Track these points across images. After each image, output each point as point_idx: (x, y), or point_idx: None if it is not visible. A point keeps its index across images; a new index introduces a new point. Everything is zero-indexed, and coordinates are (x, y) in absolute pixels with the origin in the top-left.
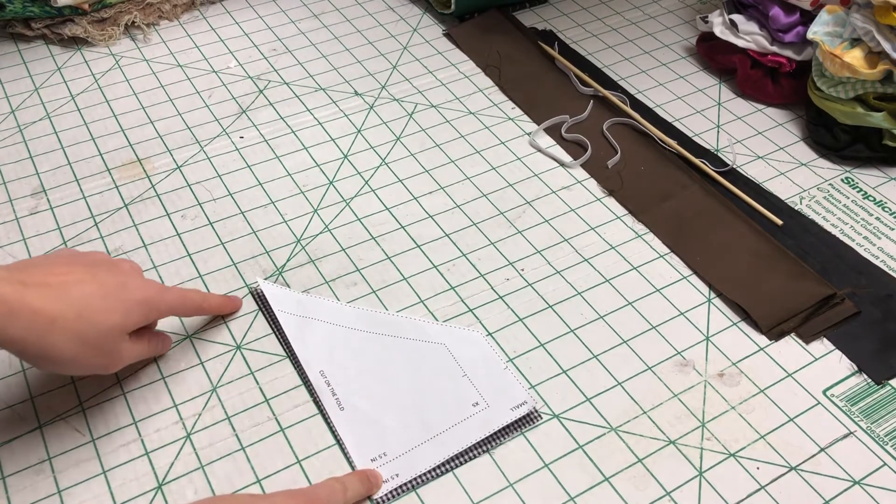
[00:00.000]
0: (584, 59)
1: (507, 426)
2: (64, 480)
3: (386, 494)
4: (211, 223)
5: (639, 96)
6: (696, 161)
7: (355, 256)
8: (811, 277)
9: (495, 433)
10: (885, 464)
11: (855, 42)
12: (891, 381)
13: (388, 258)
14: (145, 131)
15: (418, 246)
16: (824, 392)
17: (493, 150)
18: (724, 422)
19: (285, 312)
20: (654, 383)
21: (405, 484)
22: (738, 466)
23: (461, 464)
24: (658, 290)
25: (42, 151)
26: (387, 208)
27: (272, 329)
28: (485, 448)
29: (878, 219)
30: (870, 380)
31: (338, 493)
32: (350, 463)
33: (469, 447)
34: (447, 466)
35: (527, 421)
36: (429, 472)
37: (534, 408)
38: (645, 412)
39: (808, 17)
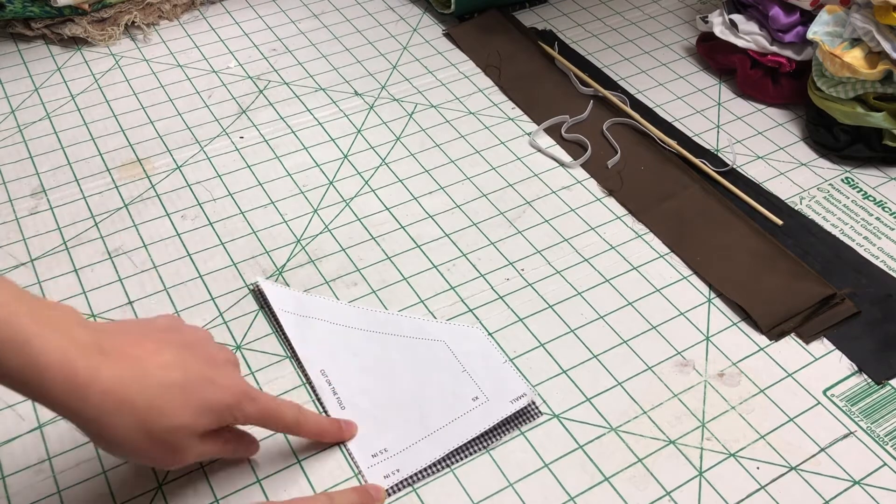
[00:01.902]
0: (584, 59)
1: (508, 421)
2: (64, 480)
3: (387, 490)
4: (211, 223)
5: (639, 96)
6: (696, 161)
7: (355, 256)
8: (811, 277)
9: (495, 428)
10: (885, 464)
11: (855, 42)
12: (891, 381)
13: (388, 258)
14: (145, 131)
15: (418, 246)
16: (824, 392)
17: (493, 150)
18: (724, 422)
19: (286, 311)
20: (654, 383)
21: (406, 479)
22: (738, 466)
23: (462, 459)
24: (658, 290)
25: (42, 151)
26: (387, 208)
27: (273, 329)
28: (485, 443)
29: (878, 219)
30: (870, 380)
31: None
32: (352, 461)
33: (470, 441)
34: (448, 462)
35: (527, 418)
36: (430, 467)
37: (532, 401)
38: (645, 412)
39: (808, 17)
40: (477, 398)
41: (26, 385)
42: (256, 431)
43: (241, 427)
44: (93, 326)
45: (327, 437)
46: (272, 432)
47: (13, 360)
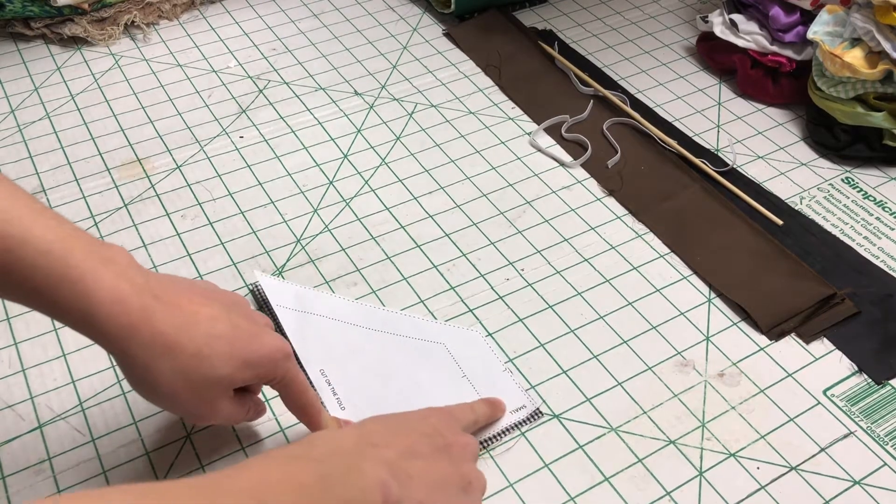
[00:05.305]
0: (584, 59)
1: (507, 426)
2: (64, 480)
3: None
4: (211, 223)
5: (639, 96)
6: (697, 161)
7: (355, 256)
8: (811, 277)
9: (494, 435)
10: (885, 464)
11: (855, 42)
12: (891, 381)
13: (388, 258)
14: (145, 131)
15: (418, 246)
16: (824, 392)
17: (493, 149)
18: (724, 422)
19: (284, 307)
20: (654, 383)
21: None
22: (738, 466)
23: None
24: (658, 290)
25: (42, 151)
26: (387, 208)
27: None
28: (485, 443)
29: (878, 219)
30: (870, 380)
31: (467, 412)
32: None
33: None
34: None
35: (527, 419)
36: None
37: (538, 408)
38: (645, 412)
39: (808, 17)
40: None
41: (78, 320)
42: (257, 431)
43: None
44: (145, 271)
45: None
46: (271, 432)
47: (67, 295)
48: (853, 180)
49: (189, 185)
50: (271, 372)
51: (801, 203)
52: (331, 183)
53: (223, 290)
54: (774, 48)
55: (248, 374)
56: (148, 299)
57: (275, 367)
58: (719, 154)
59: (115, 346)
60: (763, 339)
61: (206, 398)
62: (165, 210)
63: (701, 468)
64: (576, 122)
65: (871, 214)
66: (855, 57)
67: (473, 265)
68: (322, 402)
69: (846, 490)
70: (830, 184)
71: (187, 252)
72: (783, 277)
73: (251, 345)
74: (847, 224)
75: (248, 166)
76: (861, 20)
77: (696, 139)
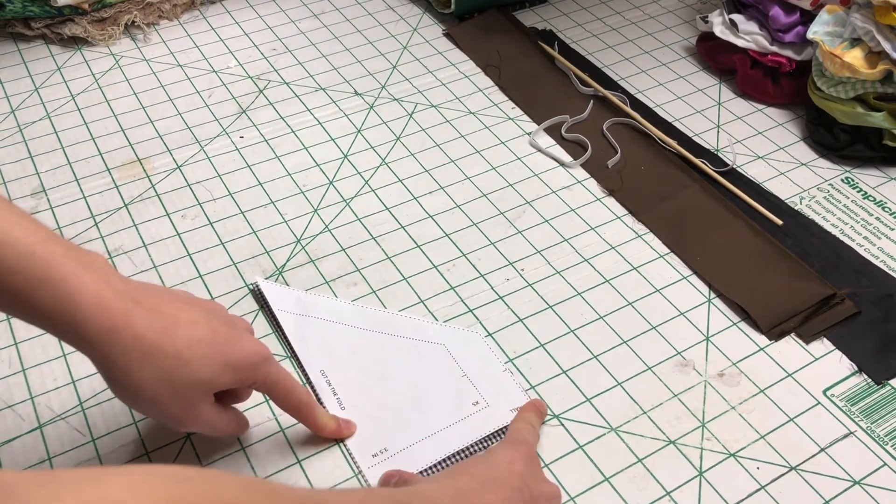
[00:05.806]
0: (584, 59)
1: (507, 426)
2: None
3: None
4: (211, 223)
5: (639, 96)
6: (696, 161)
7: (355, 256)
8: (811, 277)
9: (496, 433)
10: (885, 464)
11: (855, 42)
12: (891, 381)
13: (388, 258)
14: (145, 131)
15: (418, 246)
16: (824, 392)
17: (493, 150)
18: (724, 422)
19: (284, 311)
20: (654, 383)
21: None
22: (738, 466)
23: (462, 459)
24: (658, 291)
25: (42, 151)
26: (387, 208)
27: (273, 329)
28: (485, 444)
29: (878, 219)
30: (870, 380)
31: (532, 432)
32: (352, 461)
33: (469, 445)
34: (448, 463)
35: None
36: (430, 467)
37: None
38: (645, 412)
39: (808, 17)
40: (477, 403)
41: (59, 324)
42: (257, 431)
43: (237, 406)
44: (124, 278)
45: (325, 432)
46: (271, 432)
47: (48, 298)
48: (853, 180)
49: (189, 185)
50: (251, 375)
51: (801, 203)
52: (331, 183)
53: (200, 297)
54: (774, 48)
55: (228, 378)
56: (129, 304)
57: (254, 370)
58: (719, 154)
59: (96, 350)
60: (763, 339)
61: (188, 402)
62: (165, 210)
63: (701, 468)
64: (576, 123)
65: (871, 214)
66: (855, 57)
67: (473, 265)
68: (321, 402)
69: (846, 490)
70: (830, 184)
71: (187, 252)
72: (783, 277)
73: (230, 348)
74: (847, 224)
75: (249, 166)
76: (861, 20)
77: (696, 139)
